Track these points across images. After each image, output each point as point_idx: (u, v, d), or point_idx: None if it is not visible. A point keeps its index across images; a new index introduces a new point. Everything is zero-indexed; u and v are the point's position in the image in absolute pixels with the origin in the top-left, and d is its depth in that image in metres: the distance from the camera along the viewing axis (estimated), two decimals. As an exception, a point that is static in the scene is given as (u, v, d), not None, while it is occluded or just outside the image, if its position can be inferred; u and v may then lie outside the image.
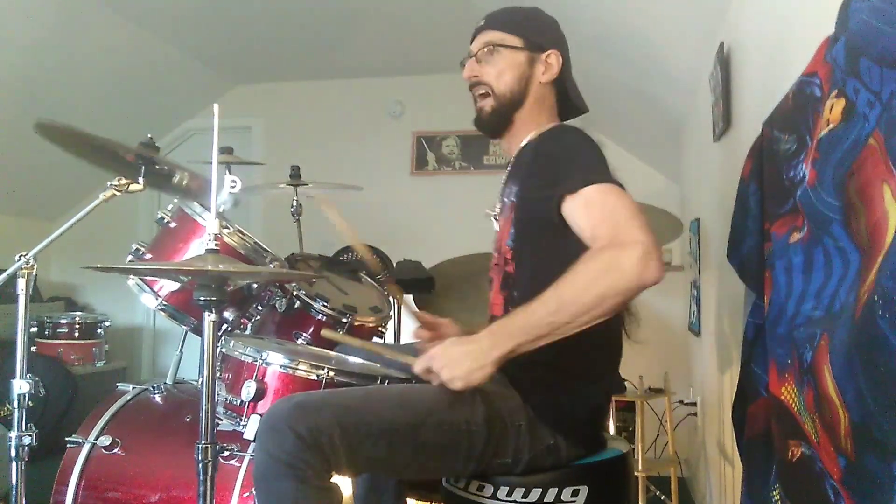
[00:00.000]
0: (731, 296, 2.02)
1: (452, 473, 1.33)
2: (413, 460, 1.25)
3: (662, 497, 3.01)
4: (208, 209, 1.82)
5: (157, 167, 1.73)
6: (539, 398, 1.31)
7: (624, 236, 1.13)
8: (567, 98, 1.50)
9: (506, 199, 1.45)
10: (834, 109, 0.95)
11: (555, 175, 1.28)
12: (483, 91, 1.46)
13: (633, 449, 2.90)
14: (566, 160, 1.29)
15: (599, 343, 1.35)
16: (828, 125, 0.97)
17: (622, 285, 1.11)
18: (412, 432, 1.23)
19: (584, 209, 1.21)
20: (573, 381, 1.33)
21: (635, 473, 2.74)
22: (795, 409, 1.10)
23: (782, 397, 1.17)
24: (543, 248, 1.35)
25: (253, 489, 1.52)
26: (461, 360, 1.18)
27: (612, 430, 2.98)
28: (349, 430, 1.17)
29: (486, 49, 1.45)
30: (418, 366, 1.25)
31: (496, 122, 1.46)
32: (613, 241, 1.13)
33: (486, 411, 1.26)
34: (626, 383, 2.94)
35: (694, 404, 3.18)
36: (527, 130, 1.46)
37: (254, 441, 1.37)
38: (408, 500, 1.71)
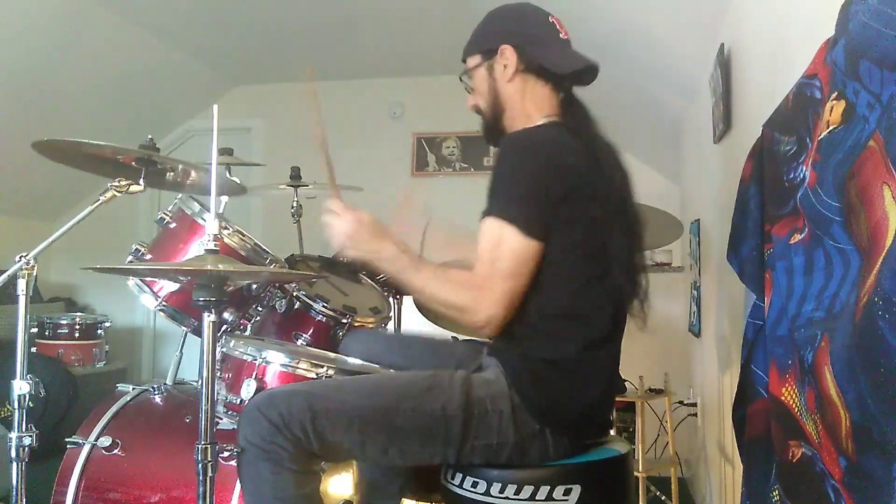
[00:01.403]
0: (731, 297, 2.02)
1: (435, 459, 1.34)
2: (390, 445, 1.28)
3: (663, 497, 3.01)
4: (208, 209, 1.82)
5: (158, 166, 1.73)
6: (526, 385, 1.32)
7: (486, 293, 1.29)
8: (555, 73, 1.45)
9: None
10: (834, 111, 0.96)
11: (491, 190, 1.35)
12: (480, 113, 1.55)
13: (633, 450, 2.89)
14: (495, 181, 1.34)
15: (596, 344, 1.36)
16: (828, 127, 0.98)
17: (458, 321, 1.35)
18: (385, 417, 1.27)
19: (482, 235, 1.32)
20: (564, 374, 1.33)
21: (635, 474, 2.74)
22: (796, 409, 1.10)
23: (783, 398, 1.17)
24: None
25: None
26: (363, 245, 1.40)
27: (612, 431, 2.98)
28: (320, 414, 1.24)
29: (466, 80, 1.54)
30: (332, 204, 1.46)
31: (488, 134, 1.55)
32: (480, 290, 1.30)
33: (464, 396, 1.29)
34: (626, 384, 2.94)
35: (694, 405, 3.19)
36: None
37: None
38: (407, 499, 1.71)
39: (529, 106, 1.46)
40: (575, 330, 1.34)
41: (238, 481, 1.59)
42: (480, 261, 1.30)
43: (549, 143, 1.36)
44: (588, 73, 1.47)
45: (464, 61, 1.54)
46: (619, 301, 1.40)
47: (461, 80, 1.54)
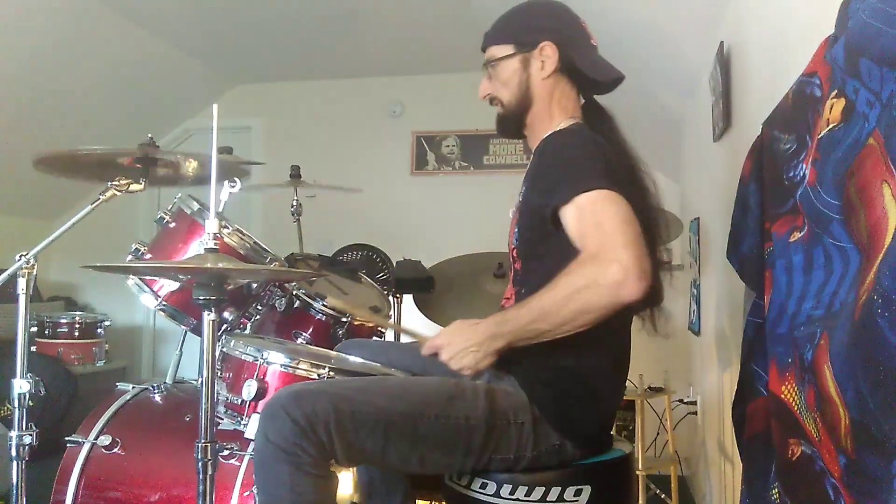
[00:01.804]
0: (731, 295, 2.02)
1: (453, 468, 1.34)
2: (411, 452, 1.26)
3: (662, 496, 3.01)
4: (207, 208, 1.82)
5: (158, 165, 1.73)
6: (547, 400, 1.31)
7: (607, 252, 1.16)
8: (586, 77, 1.45)
9: (519, 198, 1.47)
10: (834, 109, 0.96)
11: (551, 182, 1.30)
12: (496, 103, 1.51)
13: (634, 448, 2.89)
14: (561, 167, 1.30)
15: (611, 351, 1.36)
16: (828, 125, 0.98)
17: (600, 302, 1.16)
18: (410, 423, 1.24)
19: (574, 218, 1.23)
20: (583, 386, 1.33)
21: (636, 472, 2.75)
22: (796, 407, 1.10)
23: (782, 396, 1.17)
24: (544, 248, 1.36)
25: (254, 485, 1.53)
26: (467, 352, 1.25)
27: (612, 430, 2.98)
28: (345, 417, 1.20)
29: (488, 67, 1.49)
30: (425, 350, 1.30)
31: (507, 127, 1.51)
32: (596, 256, 1.17)
33: (488, 407, 1.27)
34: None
35: (694, 403, 3.19)
36: (543, 127, 1.46)
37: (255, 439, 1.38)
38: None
39: (555, 106, 1.45)
40: (597, 334, 1.25)
41: (237, 480, 1.60)
42: (584, 238, 1.21)
43: (594, 137, 1.37)
44: (616, 82, 1.47)
45: (483, 49, 1.50)
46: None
47: (485, 67, 1.49)
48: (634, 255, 1.15)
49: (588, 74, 1.44)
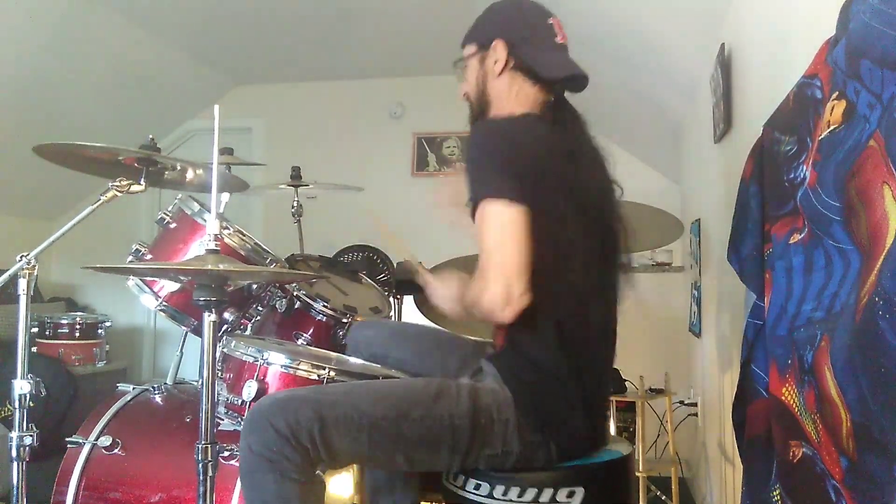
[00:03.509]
0: (731, 296, 2.02)
1: (440, 466, 1.34)
2: (396, 452, 1.27)
3: (663, 497, 3.01)
4: (208, 209, 1.83)
5: (159, 166, 1.73)
6: (525, 398, 1.31)
7: (486, 276, 1.23)
8: (540, 76, 1.43)
9: None
10: (835, 111, 0.96)
11: (468, 179, 1.31)
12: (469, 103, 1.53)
13: (634, 450, 2.89)
14: (470, 167, 1.31)
15: (587, 347, 1.35)
16: (829, 127, 0.98)
17: (483, 315, 1.26)
18: (394, 425, 1.25)
19: (477, 226, 1.27)
20: (557, 382, 1.31)
21: (636, 474, 2.74)
22: (796, 409, 1.10)
23: (783, 398, 1.17)
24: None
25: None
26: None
27: (612, 431, 2.98)
28: (329, 424, 1.22)
29: (459, 68, 1.52)
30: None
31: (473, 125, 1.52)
32: (480, 276, 1.24)
33: (471, 405, 1.28)
34: (626, 384, 2.94)
35: (695, 405, 3.19)
36: None
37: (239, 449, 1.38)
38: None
39: (514, 104, 1.44)
40: (554, 333, 1.30)
41: (237, 481, 1.60)
42: (480, 252, 1.26)
43: (513, 127, 1.35)
44: (578, 80, 1.46)
45: (463, 48, 1.53)
46: (588, 302, 1.36)
47: (455, 65, 1.53)
48: (501, 287, 1.21)
49: (537, 71, 1.43)
